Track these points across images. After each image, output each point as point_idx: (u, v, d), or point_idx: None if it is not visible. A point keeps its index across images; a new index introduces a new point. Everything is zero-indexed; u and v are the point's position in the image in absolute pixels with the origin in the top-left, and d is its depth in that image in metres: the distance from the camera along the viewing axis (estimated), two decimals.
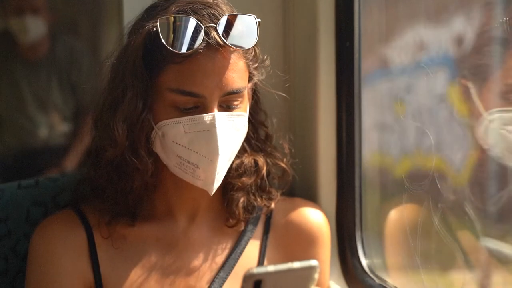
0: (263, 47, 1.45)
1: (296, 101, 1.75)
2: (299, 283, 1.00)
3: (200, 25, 1.27)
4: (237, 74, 1.32)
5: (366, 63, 1.67)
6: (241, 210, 1.47)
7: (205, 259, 1.46)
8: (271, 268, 0.96)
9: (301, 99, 1.75)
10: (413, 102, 1.61)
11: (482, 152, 1.45)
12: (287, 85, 1.71)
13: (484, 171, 1.46)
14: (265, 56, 1.45)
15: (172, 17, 1.28)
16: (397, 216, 1.66)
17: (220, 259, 1.47)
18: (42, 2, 3.12)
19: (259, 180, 1.49)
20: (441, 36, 1.51)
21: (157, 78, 1.32)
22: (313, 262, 0.98)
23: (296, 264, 0.97)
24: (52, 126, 3.21)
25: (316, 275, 1.00)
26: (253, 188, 1.49)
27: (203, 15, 1.30)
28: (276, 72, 1.52)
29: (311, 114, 1.71)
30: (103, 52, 3.02)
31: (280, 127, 1.58)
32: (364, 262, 1.64)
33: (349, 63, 1.65)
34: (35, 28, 3.08)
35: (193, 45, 1.26)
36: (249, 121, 1.43)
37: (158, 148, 1.36)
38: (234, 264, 1.46)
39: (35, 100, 3.13)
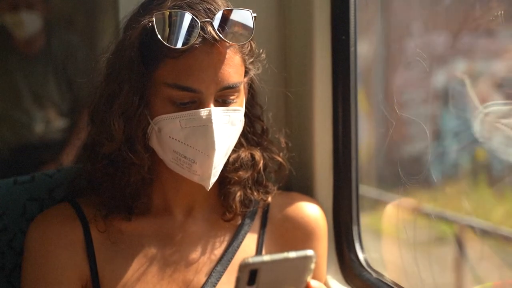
0: (259, 41, 1.45)
1: (292, 95, 1.75)
2: (295, 273, 1.00)
3: (196, 20, 1.27)
4: (233, 69, 1.32)
5: None
6: (238, 204, 1.47)
7: (203, 253, 1.46)
8: (266, 257, 0.96)
9: (297, 93, 1.75)
10: None
11: None
12: (283, 79, 1.72)
13: None
14: (261, 50, 1.44)
15: (168, 12, 1.27)
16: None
17: (217, 252, 1.47)
18: None
19: (255, 174, 1.49)
20: None
21: (154, 73, 1.32)
22: (309, 252, 0.98)
23: (292, 254, 0.97)
24: (48, 121, 3.20)
25: (313, 265, 1.00)
26: (250, 182, 1.49)
27: (199, 10, 1.30)
28: (272, 66, 1.52)
29: (307, 108, 1.71)
30: (99, 47, 3.00)
31: (277, 121, 1.58)
32: (361, 256, 1.65)
33: (345, 56, 1.65)
34: (30, 22, 3.07)
35: (189, 40, 1.26)
36: (246, 115, 1.43)
37: (154, 143, 1.36)
38: (232, 258, 1.46)
39: (32, 95, 3.13)
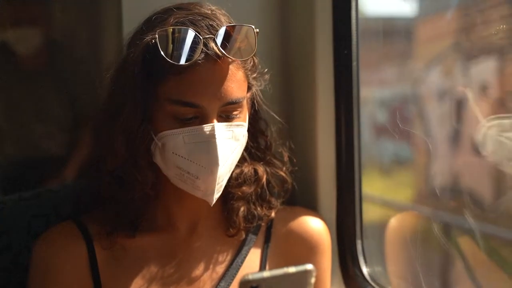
0: (262, 56, 1.45)
1: (295, 110, 1.76)
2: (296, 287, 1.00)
3: (198, 36, 1.28)
4: (236, 84, 1.32)
5: None
6: (241, 220, 1.47)
7: (206, 269, 1.46)
8: (266, 273, 0.96)
9: (300, 108, 1.75)
10: None
11: None
12: (286, 94, 1.72)
13: None
14: (265, 70, 1.45)
15: (171, 29, 1.28)
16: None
17: (221, 268, 1.47)
18: (39, 12, 3.11)
19: (259, 189, 1.49)
20: None
21: (157, 89, 1.32)
22: (308, 266, 0.99)
23: (291, 269, 0.98)
24: (51, 137, 3.20)
25: (313, 280, 1.00)
26: (253, 197, 1.49)
27: (202, 26, 1.30)
28: (275, 81, 1.53)
29: (310, 122, 1.72)
30: (103, 63, 3.01)
31: (280, 135, 1.59)
32: (365, 270, 1.64)
33: (348, 70, 1.66)
34: (32, 38, 3.08)
35: (192, 56, 1.27)
36: (249, 130, 1.43)
37: (158, 159, 1.36)
38: (235, 274, 1.46)
39: (35, 111, 3.13)
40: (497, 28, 1.52)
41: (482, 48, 1.74)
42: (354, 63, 1.65)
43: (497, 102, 1.76)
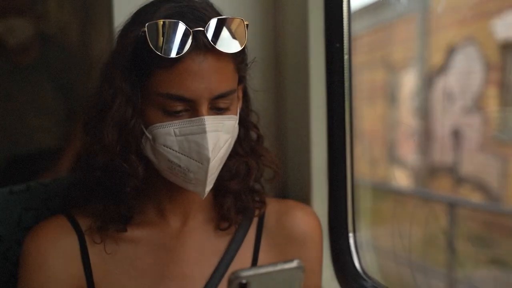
0: (254, 49, 1.45)
1: (287, 103, 1.76)
2: (285, 283, 1.00)
3: (188, 29, 1.27)
4: (226, 77, 1.32)
5: None
6: (233, 213, 1.47)
7: (198, 263, 1.46)
8: (255, 269, 0.96)
9: (292, 100, 1.75)
10: None
11: None
12: (278, 86, 1.72)
13: None
14: (254, 58, 1.44)
15: (160, 22, 1.27)
16: None
17: (213, 262, 1.46)
18: (27, 3, 3.08)
19: (250, 183, 1.49)
20: None
21: (146, 82, 1.32)
22: (296, 261, 0.99)
23: (280, 264, 0.98)
24: (43, 130, 3.19)
25: (303, 274, 1.00)
26: (245, 190, 1.49)
27: (191, 19, 1.29)
28: (266, 74, 1.53)
29: (302, 114, 1.72)
30: (94, 56, 3.00)
31: (272, 128, 1.58)
32: (356, 263, 1.65)
33: (339, 63, 1.66)
34: (21, 30, 3.05)
35: (182, 49, 1.26)
36: (240, 123, 1.43)
37: (149, 153, 1.36)
38: (227, 267, 1.46)
39: (26, 104, 3.12)
40: None
41: None
42: (346, 56, 1.65)
43: None
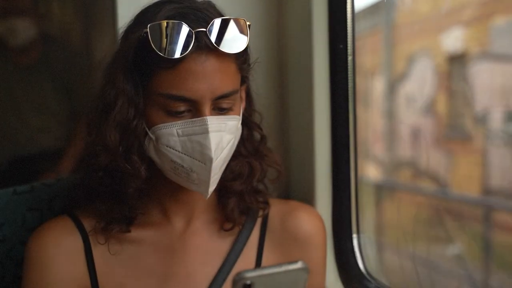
0: (257, 50, 1.45)
1: (290, 103, 1.75)
2: (290, 284, 1.00)
3: (190, 30, 1.27)
4: (228, 77, 1.32)
5: None
6: (236, 214, 1.47)
7: (202, 263, 1.46)
8: (259, 270, 0.96)
9: (295, 101, 1.75)
10: None
11: None
12: (281, 87, 1.72)
13: None
14: (257, 58, 1.44)
15: (164, 23, 1.27)
16: None
17: (217, 263, 1.46)
18: (29, 3, 3.08)
19: (254, 183, 1.49)
20: None
21: (149, 83, 1.32)
22: (301, 262, 0.99)
23: (284, 266, 0.98)
24: (46, 131, 3.19)
25: (307, 276, 1.00)
26: (249, 191, 1.49)
27: (194, 19, 1.29)
28: (270, 75, 1.52)
29: (306, 115, 1.72)
30: (97, 56, 3.00)
31: (275, 129, 1.58)
32: (360, 264, 1.64)
33: (343, 64, 1.66)
34: (22, 30, 3.04)
35: (184, 50, 1.26)
36: (243, 123, 1.43)
37: (152, 153, 1.36)
38: (231, 268, 1.46)
39: (29, 105, 3.12)
40: None
41: None
42: (350, 57, 1.65)
43: None
